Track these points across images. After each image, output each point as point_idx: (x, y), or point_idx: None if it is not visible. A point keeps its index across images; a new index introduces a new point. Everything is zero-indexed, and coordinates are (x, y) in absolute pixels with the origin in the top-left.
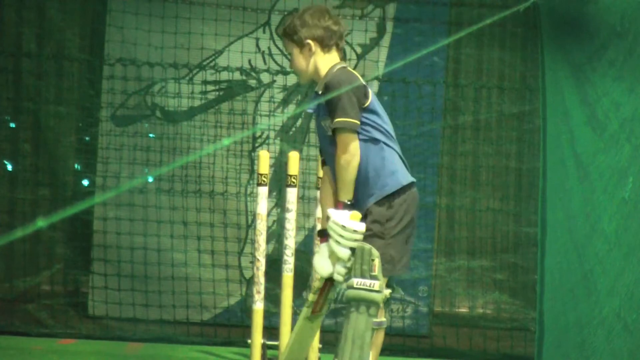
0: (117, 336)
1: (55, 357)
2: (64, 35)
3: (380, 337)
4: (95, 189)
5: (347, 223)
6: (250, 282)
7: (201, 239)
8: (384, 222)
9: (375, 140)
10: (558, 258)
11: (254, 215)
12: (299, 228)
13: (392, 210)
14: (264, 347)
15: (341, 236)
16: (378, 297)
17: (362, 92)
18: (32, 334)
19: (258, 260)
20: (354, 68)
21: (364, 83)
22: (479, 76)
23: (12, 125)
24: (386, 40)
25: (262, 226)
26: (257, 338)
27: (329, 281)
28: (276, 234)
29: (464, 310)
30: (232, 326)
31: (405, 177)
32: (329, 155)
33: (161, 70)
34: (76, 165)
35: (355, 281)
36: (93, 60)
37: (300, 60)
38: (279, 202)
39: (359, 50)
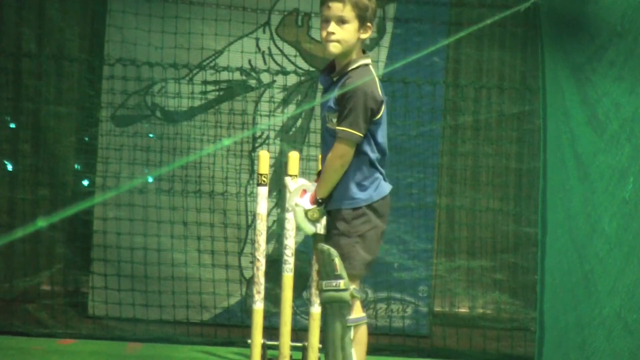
0: (117, 336)
1: (55, 357)
2: (64, 35)
3: (362, 333)
4: (95, 189)
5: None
6: (250, 282)
7: (201, 239)
8: (350, 220)
9: (364, 154)
10: (558, 258)
11: (254, 215)
12: (299, 228)
13: (360, 211)
14: (264, 347)
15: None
16: (345, 295)
17: (378, 105)
18: (32, 334)
19: (258, 260)
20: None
21: (382, 98)
22: (479, 76)
23: (12, 125)
24: (386, 41)
25: (262, 226)
26: (257, 338)
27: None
28: (276, 234)
29: (464, 310)
30: (232, 326)
31: (380, 192)
32: (324, 142)
33: (161, 71)
34: (76, 166)
35: (323, 283)
36: (93, 60)
37: (351, 35)
38: (279, 202)
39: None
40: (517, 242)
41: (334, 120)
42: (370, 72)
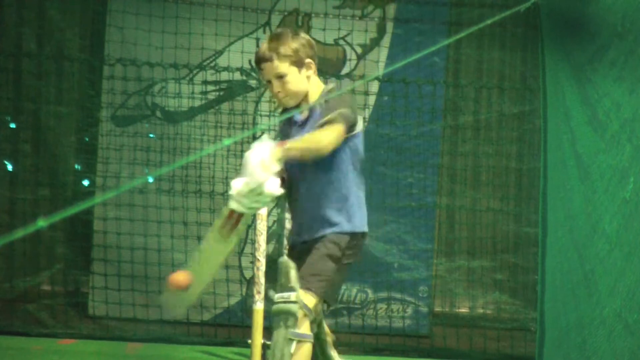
0: (117, 336)
1: (55, 357)
2: (64, 35)
3: (306, 351)
4: (96, 189)
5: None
6: (250, 282)
7: (201, 239)
8: (344, 247)
9: (360, 175)
10: (559, 258)
11: (254, 216)
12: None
13: (355, 241)
14: (264, 347)
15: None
16: (294, 307)
17: (357, 115)
18: (32, 334)
19: (258, 260)
20: (354, 68)
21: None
22: (479, 76)
23: (13, 125)
24: (386, 41)
25: (262, 226)
26: (258, 338)
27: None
28: (276, 234)
29: (464, 310)
30: (232, 326)
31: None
32: (302, 174)
33: (161, 71)
34: (76, 165)
35: (276, 296)
36: (93, 60)
37: (297, 82)
38: (279, 202)
39: (359, 50)
40: (517, 242)
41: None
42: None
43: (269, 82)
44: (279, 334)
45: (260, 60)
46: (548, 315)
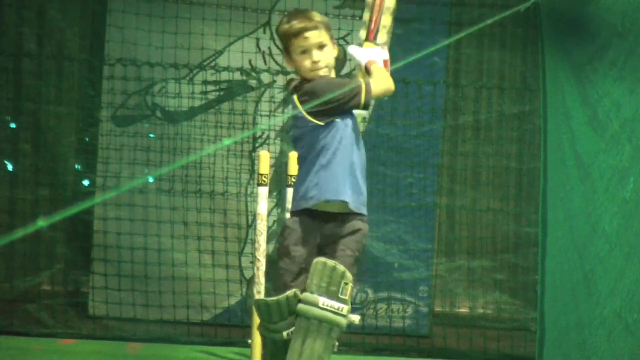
0: (118, 336)
1: (55, 357)
2: (64, 35)
3: None
4: (96, 189)
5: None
6: (250, 282)
7: (201, 239)
8: (364, 242)
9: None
10: (559, 258)
11: (254, 215)
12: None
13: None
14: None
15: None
16: (343, 321)
17: None
18: (32, 334)
19: (258, 260)
20: (354, 68)
21: None
22: (479, 76)
23: (13, 125)
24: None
25: (262, 226)
26: (258, 338)
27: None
28: (276, 234)
29: (464, 310)
30: (232, 326)
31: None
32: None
33: (161, 71)
34: (76, 165)
35: (321, 301)
36: (93, 60)
37: (332, 57)
38: (279, 202)
39: None
40: (517, 242)
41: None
42: None
43: (305, 52)
44: (320, 343)
45: (306, 28)
46: (548, 315)
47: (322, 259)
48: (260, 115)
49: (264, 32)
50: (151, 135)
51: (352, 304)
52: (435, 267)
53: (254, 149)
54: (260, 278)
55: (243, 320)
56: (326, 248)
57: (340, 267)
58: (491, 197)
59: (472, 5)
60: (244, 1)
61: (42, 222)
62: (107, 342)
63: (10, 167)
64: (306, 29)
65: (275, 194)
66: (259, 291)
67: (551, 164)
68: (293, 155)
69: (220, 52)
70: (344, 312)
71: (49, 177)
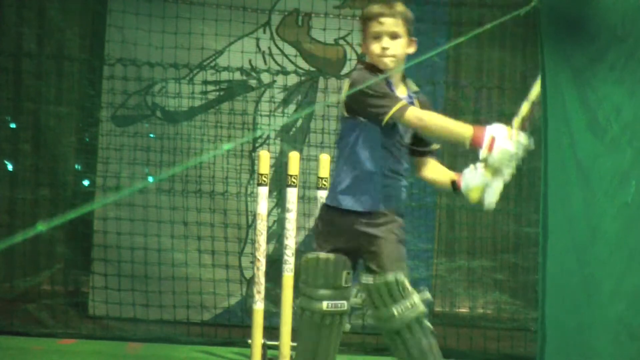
0: (118, 336)
1: (56, 357)
2: (64, 35)
3: None
4: (96, 189)
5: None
6: (250, 282)
7: (201, 239)
8: (403, 226)
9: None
10: (559, 262)
11: (255, 215)
12: (299, 228)
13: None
14: (264, 347)
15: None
16: (422, 308)
17: None
18: (32, 334)
19: (258, 260)
20: (354, 68)
21: None
22: (479, 76)
23: (13, 125)
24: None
25: (262, 226)
26: (258, 338)
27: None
28: (276, 234)
29: (464, 310)
30: (232, 326)
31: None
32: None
33: (161, 71)
34: (76, 166)
35: (395, 310)
36: (93, 60)
37: (403, 50)
38: (279, 202)
39: (359, 50)
40: (518, 242)
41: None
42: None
43: (377, 37)
44: (419, 338)
45: (382, 14)
46: (549, 319)
47: (369, 281)
48: (260, 115)
49: (264, 32)
50: (151, 135)
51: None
52: (435, 267)
53: (254, 149)
54: (260, 278)
55: (243, 320)
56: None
57: (389, 278)
58: None
59: (472, 5)
60: (244, 1)
61: (41, 227)
62: (107, 342)
63: (10, 167)
64: (382, 15)
65: (275, 194)
66: (259, 291)
67: (551, 167)
68: (293, 155)
69: (220, 52)
70: (417, 300)
71: (49, 177)
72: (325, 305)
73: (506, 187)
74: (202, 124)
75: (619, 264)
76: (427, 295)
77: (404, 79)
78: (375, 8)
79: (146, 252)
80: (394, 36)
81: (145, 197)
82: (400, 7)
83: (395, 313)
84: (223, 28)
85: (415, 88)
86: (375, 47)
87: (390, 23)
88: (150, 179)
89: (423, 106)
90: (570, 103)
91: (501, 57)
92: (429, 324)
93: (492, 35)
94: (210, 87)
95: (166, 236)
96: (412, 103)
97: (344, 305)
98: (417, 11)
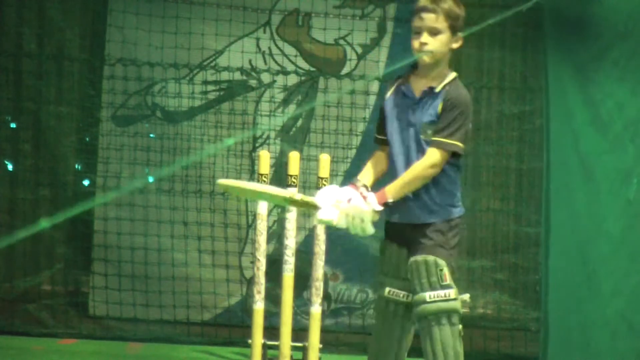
0: (118, 336)
1: (56, 357)
2: (64, 35)
3: None
4: (96, 189)
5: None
6: (250, 282)
7: (202, 239)
8: (446, 232)
9: (458, 166)
10: (562, 258)
11: (255, 215)
12: (299, 228)
13: (454, 223)
14: (264, 347)
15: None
16: (456, 304)
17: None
18: (33, 334)
19: (258, 260)
20: (355, 68)
21: None
22: (480, 76)
23: (13, 125)
24: (386, 41)
25: (262, 226)
26: (258, 338)
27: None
28: (276, 234)
29: (464, 310)
30: (232, 326)
31: (462, 206)
32: (404, 147)
33: (162, 71)
34: (77, 166)
35: (428, 295)
36: (93, 60)
37: (444, 45)
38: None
39: (359, 50)
40: (518, 242)
41: (429, 131)
42: (463, 87)
43: (417, 32)
44: (446, 333)
45: (424, 9)
46: (552, 315)
47: (412, 259)
48: (261, 115)
49: (264, 32)
50: (151, 135)
51: (352, 303)
52: None
53: (254, 149)
54: (261, 278)
55: (243, 320)
56: None
57: (429, 257)
58: (491, 197)
59: (472, 5)
60: (244, 1)
61: (45, 223)
62: (108, 342)
63: (10, 167)
64: (424, 10)
65: None
66: (259, 291)
67: (554, 164)
68: (293, 155)
69: (220, 52)
70: (453, 295)
71: (49, 177)
72: (387, 290)
73: (506, 187)
74: (202, 124)
75: (621, 261)
76: (467, 297)
77: (440, 77)
78: (420, 2)
79: (146, 252)
80: (434, 32)
81: (146, 197)
82: (445, 4)
83: (427, 298)
84: (223, 28)
85: (450, 79)
86: (415, 42)
87: (430, 18)
88: (150, 178)
89: (445, 104)
90: (573, 100)
91: (501, 57)
92: (460, 326)
93: (492, 35)
94: (210, 87)
95: (166, 236)
96: (425, 103)
97: (405, 296)
98: None
